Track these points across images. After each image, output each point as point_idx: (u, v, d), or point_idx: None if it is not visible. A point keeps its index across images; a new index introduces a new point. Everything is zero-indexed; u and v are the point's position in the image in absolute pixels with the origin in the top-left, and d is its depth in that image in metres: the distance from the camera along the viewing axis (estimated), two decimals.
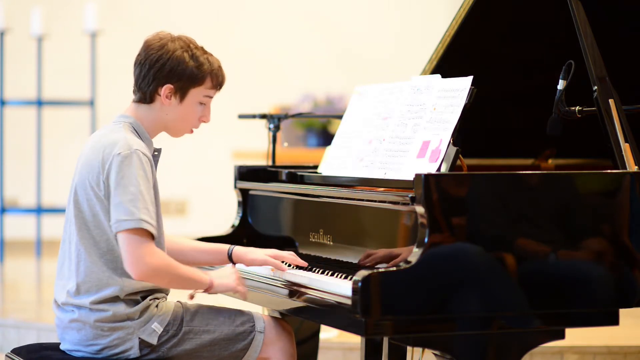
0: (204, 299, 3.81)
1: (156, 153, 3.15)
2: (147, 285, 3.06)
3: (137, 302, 3.05)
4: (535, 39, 3.77)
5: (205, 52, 3.14)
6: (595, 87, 3.06)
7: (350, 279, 2.84)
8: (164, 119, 3.13)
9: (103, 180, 2.99)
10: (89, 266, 3.04)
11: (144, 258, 2.95)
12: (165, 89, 3.09)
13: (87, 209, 3.03)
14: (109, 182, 2.98)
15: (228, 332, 3.14)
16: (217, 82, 3.15)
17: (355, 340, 4.71)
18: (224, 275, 3.17)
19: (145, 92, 3.10)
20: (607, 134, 3.02)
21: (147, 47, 3.11)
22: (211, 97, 3.16)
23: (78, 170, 3.08)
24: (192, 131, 3.19)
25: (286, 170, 3.69)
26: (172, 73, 3.08)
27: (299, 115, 4.53)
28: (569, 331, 2.94)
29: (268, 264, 3.22)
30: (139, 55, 3.12)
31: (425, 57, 3.80)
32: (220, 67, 3.15)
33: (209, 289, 3.11)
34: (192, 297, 3.15)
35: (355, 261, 3.10)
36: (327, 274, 3.08)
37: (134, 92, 3.15)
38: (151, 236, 2.97)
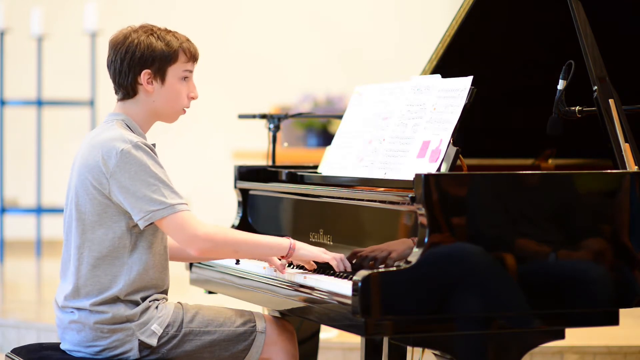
0: (204, 300, 3.81)
1: None
2: (147, 286, 3.06)
3: (136, 304, 3.05)
4: (535, 39, 3.77)
5: (169, 31, 3.15)
6: (595, 87, 3.06)
7: (350, 279, 2.84)
8: (153, 107, 3.13)
9: (107, 178, 2.99)
10: (90, 270, 3.03)
11: (196, 234, 2.97)
12: (144, 75, 3.09)
13: (91, 209, 3.03)
14: (117, 180, 2.97)
15: (229, 332, 3.13)
16: (190, 54, 3.14)
17: (355, 340, 4.71)
18: (306, 244, 3.16)
19: (127, 87, 3.11)
20: (607, 134, 3.02)
21: (113, 45, 3.12)
22: (191, 71, 3.16)
23: (75, 172, 3.08)
24: (184, 111, 3.19)
25: (286, 170, 3.69)
26: (144, 58, 3.08)
27: (299, 115, 4.53)
28: (569, 331, 2.93)
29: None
30: (108, 56, 3.13)
31: (425, 57, 3.80)
32: (188, 40, 3.16)
33: (290, 253, 3.09)
34: (282, 267, 3.14)
35: (355, 261, 3.09)
36: (327, 274, 3.08)
37: (115, 92, 3.15)
38: (191, 213, 2.99)
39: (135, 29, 3.12)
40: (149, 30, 3.11)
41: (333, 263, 3.07)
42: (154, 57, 3.08)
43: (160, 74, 3.10)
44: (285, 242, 3.10)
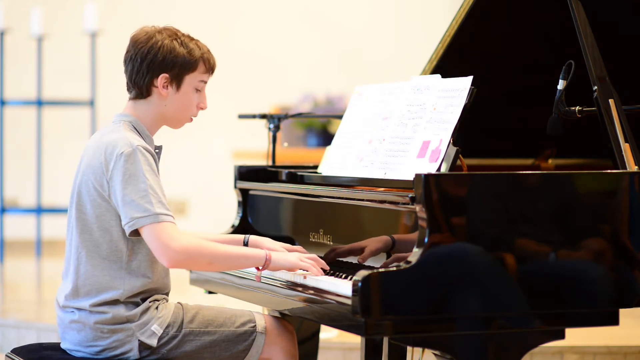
0: (204, 300, 3.80)
1: (157, 151, 3.14)
2: (147, 287, 3.06)
3: (137, 304, 3.05)
4: (535, 39, 3.77)
5: (192, 38, 3.14)
6: (595, 87, 3.06)
7: (350, 279, 2.84)
8: (163, 111, 3.13)
9: (107, 180, 2.99)
10: (89, 270, 3.03)
11: (169, 245, 2.95)
12: (161, 79, 3.08)
13: (91, 210, 3.03)
14: (114, 182, 2.98)
15: (229, 333, 3.13)
16: (209, 65, 3.14)
17: (355, 340, 4.71)
18: (284, 251, 3.16)
19: (142, 87, 3.10)
20: (607, 134, 3.02)
21: (135, 42, 3.10)
22: (205, 82, 3.16)
23: (80, 172, 3.08)
24: (191, 120, 3.19)
25: (286, 170, 3.69)
26: (165, 62, 3.07)
27: (299, 115, 4.53)
28: (569, 331, 2.94)
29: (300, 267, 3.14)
30: (128, 51, 3.12)
31: (425, 57, 3.80)
32: (209, 51, 3.16)
33: (267, 264, 3.08)
34: (258, 278, 3.13)
35: (354, 261, 3.10)
36: (327, 274, 3.08)
37: (128, 90, 3.14)
38: (172, 225, 2.97)
39: (159, 29, 3.11)
40: (174, 34, 3.10)
41: (313, 271, 3.07)
42: (175, 62, 3.08)
43: (177, 80, 3.10)
44: (261, 253, 3.09)
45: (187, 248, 2.97)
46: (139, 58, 3.08)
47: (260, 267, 3.10)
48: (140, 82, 3.09)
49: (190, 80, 3.11)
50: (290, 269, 3.11)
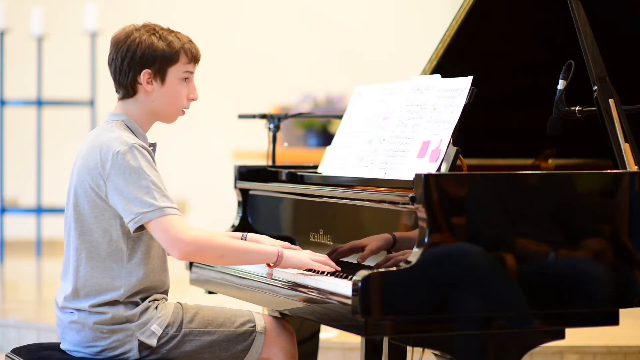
0: (204, 300, 3.80)
1: (151, 147, 3.14)
2: (147, 288, 3.05)
3: (136, 304, 3.05)
4: (535, 39, 3.77)
5: (172, 31, 3.13)
6: (595, 87, 3.06)
7: (350, 279, 2.84)
8: (152, 107, 3.12)
9: (104, 180, 2.99)
10: (88, 271, 3.03)
11: (178, 237, 2.95)
12: (144, 75, 3.08)
13: (89, 211, 3.03)
14: (112, 182, 2.97)
15: (228, 333, 3.13)
16: (192, 55, 3.13)
17: (355, 340, 4.71)
18: (295, 249, 3.16)
19: (127, 86, 3.10)
20: (607, 134, 3.02)
21: (115, 43, 3.11)
22: (192, 73, 3.14)
23: (75, 173, 3.08)
24: (183, 112, 3.18)
25: (286, 170, 3.69)
26: (145, 58, 3.07)
27: (299, 115, 4.53)
28: (569, 331, 2.94)
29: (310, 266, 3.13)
30: (109, 54, 3.12)
31: (425, 57, 3.80)
32: (190, 41, 3.14)
33: (278, 261, 3.07)
34: (270, 275, 3.12)
35: (355, 261, 3.10)
36: (327, 274, 3.08)
37: (116, 91, 3.15)
38: (178, 217, 2.97)
39: (137, 27, 3.11)
40: (152, 29, 3.10)
41: (324, 269, 3.07)
42: (155, 57, 3.07)
43: (160, 74, 3.09)
44: (273, 249, 3.09)
45: (197, 239, 2.97)
46: (119, 58, 3.08)
47: (271, 264, 3.10)
48: (124, 82, 3.09)
49: (174, 72, 3.10)
50: (301, 267, 3.10)
